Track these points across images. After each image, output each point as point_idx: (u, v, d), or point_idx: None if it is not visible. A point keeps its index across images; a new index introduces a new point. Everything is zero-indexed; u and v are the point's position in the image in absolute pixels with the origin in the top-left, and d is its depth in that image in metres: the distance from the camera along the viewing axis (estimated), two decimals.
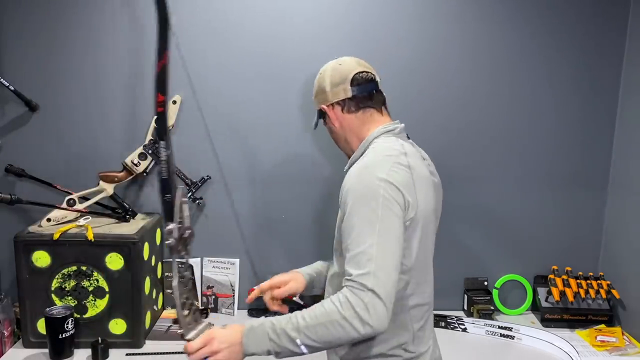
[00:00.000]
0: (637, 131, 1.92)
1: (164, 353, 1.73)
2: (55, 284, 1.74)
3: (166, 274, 2.04)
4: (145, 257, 1.80)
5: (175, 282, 1.18)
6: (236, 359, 1.12)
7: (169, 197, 1.17)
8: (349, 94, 1.30)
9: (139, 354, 1.74)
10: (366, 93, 1.31)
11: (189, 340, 1.16)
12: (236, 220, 2.02)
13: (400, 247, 1.12)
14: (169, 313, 2.03)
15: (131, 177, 1.92)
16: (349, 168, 1.25)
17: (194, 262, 2.05)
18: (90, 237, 1.71)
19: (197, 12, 1.92)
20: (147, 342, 1.81)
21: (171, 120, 1.94)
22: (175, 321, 1.19)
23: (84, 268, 1.73)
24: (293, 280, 1.41)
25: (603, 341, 1.84)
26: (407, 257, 1.18)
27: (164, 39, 1.22)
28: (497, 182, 2.05)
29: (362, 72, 1.31)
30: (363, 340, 1.13)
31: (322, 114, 1.36)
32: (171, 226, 1.17)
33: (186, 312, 1.19)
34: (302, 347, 1.08)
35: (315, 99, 1.38)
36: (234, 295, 2.05)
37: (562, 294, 1.97)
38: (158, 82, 1.23)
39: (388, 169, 1.15)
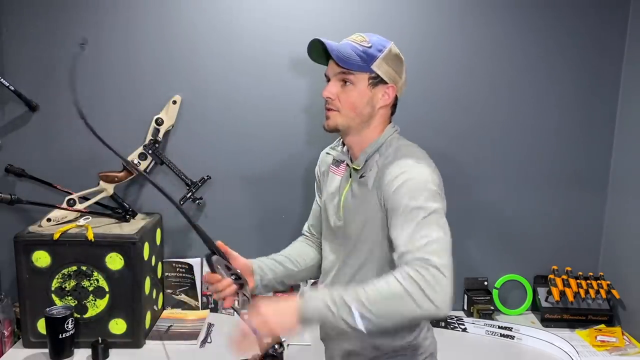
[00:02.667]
0: (637, 131, 1.92)
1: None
2: (55, 284, 1.74)
3: (166, 274, 2.04)
4: (145, 257, 1.80)
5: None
6: (290, 322, 1.04)
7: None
8: (399, 95, 1.31)
9: None
10: None
11: None
12: (236, 220, 2.02)
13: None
14: (169, 313, 2.03)
15: (131, 177, 1.92)
16: (365, 159, 1.25)
17: (194, 262, 2.05)
18: (90, 237, 1.71)
19: (197, 12, 1.92)
20: (147, 342, 1.81)
21: (171, 120, 1.94)
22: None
23: (84, 268, 1.73)
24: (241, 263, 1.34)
25: (603, 341, 1.84)
26: None
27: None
28: (497, 182, 2.05)
29: None
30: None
31: (374, 80, 1.23)
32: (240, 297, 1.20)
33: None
34: (358, 319, 1.00)
35: (383, 66, 1.22)
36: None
37: (562, 294, 1.97)
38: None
39: (430, 172, 1.17)
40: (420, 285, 0.99)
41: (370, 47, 1.22)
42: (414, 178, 1.14)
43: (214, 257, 1.18)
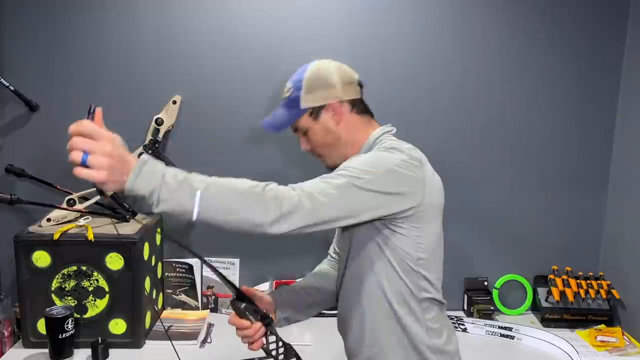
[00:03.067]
0: (636, 132, 1.92)
1: None
2: (55, 284, 1.73)
3: (166, 274, 2.04)
4: (145, 257, 1.80)
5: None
6: (115, 178, 0.90)
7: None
8: (359, 95, 1.29)
9: None
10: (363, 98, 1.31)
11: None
12: None
13: (359, 209, 1.07)
14: (169, 313, 2.03)
15: None
16: None
17: (194, 262, 2.05)
18: (90, 237, 1.71)
19: (197, 12, 1.92)
20: (147, 342, 1.81)
21: (171, 120, 1.94)
22: None
23: (84, 268, 1.73)
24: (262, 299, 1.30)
25: (603, 341, 1.84)
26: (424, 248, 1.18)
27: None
28: (497, 182, 2.05)
29: (358, 77, 1.31)
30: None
31: (315, 112, 1.24)
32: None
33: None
34: (196, 205, 0.92)
35: (309, 95, 1.23)
36: (233, 295, 2.05)
37: (562, 294, 1.97)
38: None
39: (400, 160, 1.14)
40: (279, 198, 0.98)
41: (291, 92, 1.26)
42: (374, 154, 1.17)
43: (243, 305, 1.15)
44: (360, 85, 1.30)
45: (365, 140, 1.27)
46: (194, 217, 0.94)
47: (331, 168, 1.25)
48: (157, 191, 0.91)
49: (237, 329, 1.17)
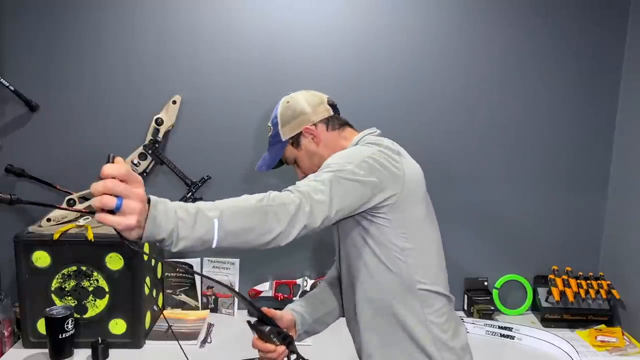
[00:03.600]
0: (637, 132, 1.92)
1: None
2: (55, 284, 1.73)
3: (166, 274, 2.04)
4: (145, 257, 1.79)
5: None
6: (142, 224, 0.82)
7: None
8: (331, 112, 1.36)
9: None
10: (339, 114, 1.39)
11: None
12: None
13: (351, 200, 1.10)
14: (169, 313, 2.03)
15: None
16: None
17: (194, 262, 2.05)
18: (90, 237, 1.71)
19: (197, 12, 1.92)
20: (147, 342, 1.81)
21: (171, 120, 1.94)
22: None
23: (84, 268, 1.73)
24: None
25: (603, 341, 1.84)
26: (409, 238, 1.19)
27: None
28: (497, 182, 2.05)
29: (328, 97, 1.39)
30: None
31: (295, 141, 1.35)
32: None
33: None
34: (216, 235, 0.90)
35: (286, 127, 1.35)
36: (233, 296, 2.05)
37: (562, 294, 1.97)
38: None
39: (376, 150, 1.19)
40: (286, 204, 0.99)
41: (272, 132, 1.39)
42: (346, 152, 1.20)
43: (268, 328, 1.14)
44: (331, 103, 1.38)
45: (347, 147, 1.31)
46: (213, 246, 0.91)
47: None
48: (175, 230, 0.85)
49: (259, 350, 1.18)
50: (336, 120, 1.36)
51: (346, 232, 1.23)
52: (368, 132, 1.33)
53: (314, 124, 1.34)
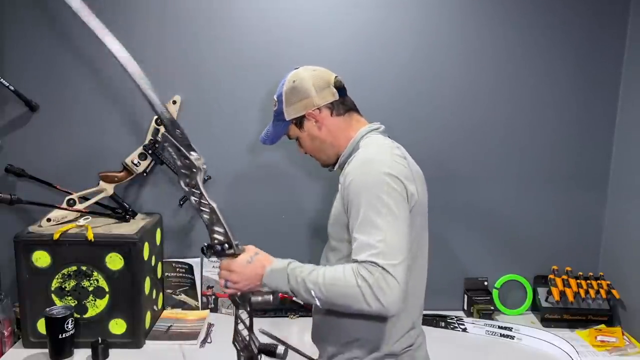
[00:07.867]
0: (637, 131, 1.92)
1: None
2: (55, 284, 1.74)
3: (166, 274, 2.04)
4: (145, 257, 1.80)
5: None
6: (255, 286, 1.21)
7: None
8: (337, 97, 1.33)
9: None
10: (346, 96, 1.36)
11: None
12: (236, 220, 2.02)
13: (409, 233, 1.14)
14: (169, 313, 2.03)
15: (131, 177, 1.92)
16: (340, 167, 1.31)
17: (194, 262, 2.05)
18: (90, 237, 1.71)
19: (197, 13, 1.92)
20: (147, 342, 1.81)
21: None
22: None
23: (84, 268, 1.73)
24: None
25: (603, 341, 1.84)
26: None
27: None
28: (497, 182, 2.05)
29: (337, 76, 1.36)
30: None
31: (299, 122, 1.35)
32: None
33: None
34: (317, 300, 1.14)
35: (290, 108, 1.34)
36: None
37: (562, 294, 1.97)
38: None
39: (390, 161, 1.19)
40: (370, 284, 1.06)
41: (276, 105, 1.38)
42: (365, 173, 1.18)
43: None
44: (338, 86, 1.34)
45: (351, 138, 1.32)
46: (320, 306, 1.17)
47: (325, 166, 1.41)
48: (289, 292, 1.19)
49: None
50: (342, 106, 1.34)
51: (337, 243, 1.29)
52: (374, 128, 1.33)
53: (318, 109, 1.32)
